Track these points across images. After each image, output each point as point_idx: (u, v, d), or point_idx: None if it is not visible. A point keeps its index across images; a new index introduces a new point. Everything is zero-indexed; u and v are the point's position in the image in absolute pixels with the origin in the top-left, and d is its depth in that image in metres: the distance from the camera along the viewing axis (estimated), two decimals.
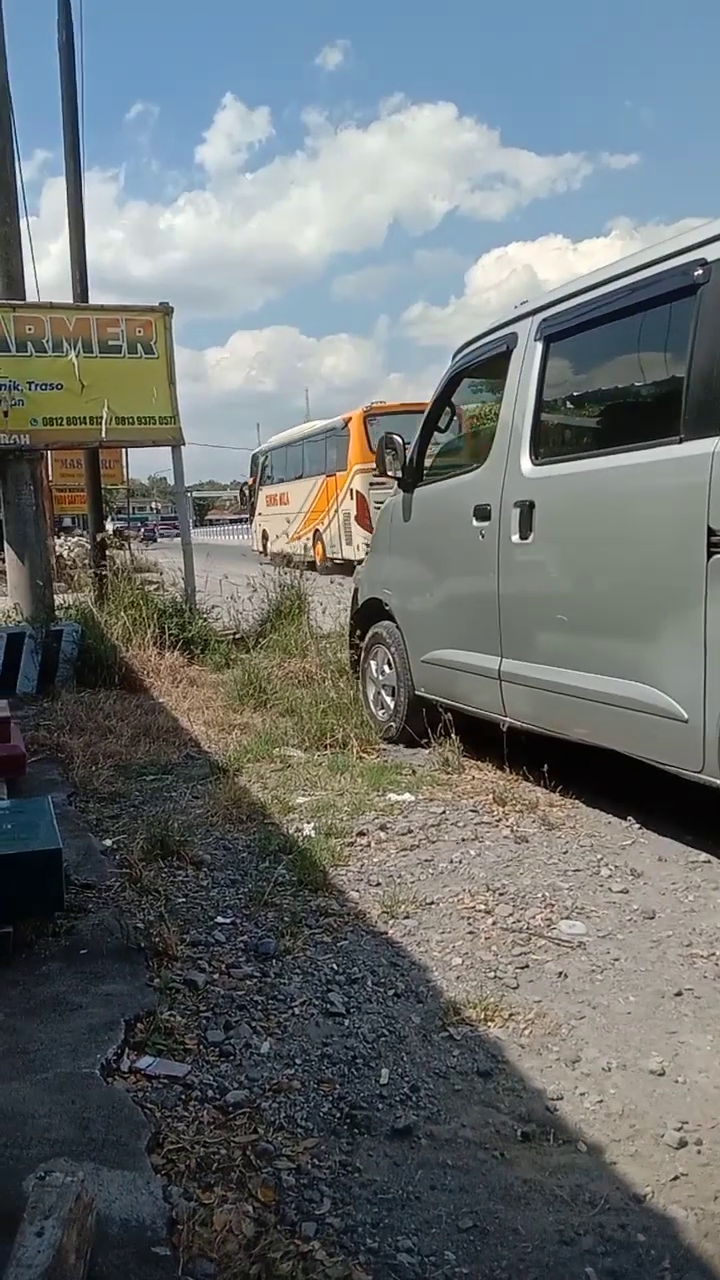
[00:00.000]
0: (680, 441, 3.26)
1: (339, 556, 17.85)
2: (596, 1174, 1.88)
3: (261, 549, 24.21)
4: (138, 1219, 1.73)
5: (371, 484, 16.24)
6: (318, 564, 17.73)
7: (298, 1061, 2.30)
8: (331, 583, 7.94)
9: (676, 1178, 1.86)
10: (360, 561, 14.48)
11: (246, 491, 28.40)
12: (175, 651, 7.78)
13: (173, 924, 3.00)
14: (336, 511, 18.66)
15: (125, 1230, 1.70)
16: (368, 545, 14.91)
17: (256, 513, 26.21)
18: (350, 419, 18.21)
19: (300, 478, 21.74)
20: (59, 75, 10.88)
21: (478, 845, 3.76)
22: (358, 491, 17.30)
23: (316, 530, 19.90)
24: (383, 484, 13.65)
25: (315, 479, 20.44)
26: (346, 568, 14.37)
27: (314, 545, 19.58)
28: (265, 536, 24.58)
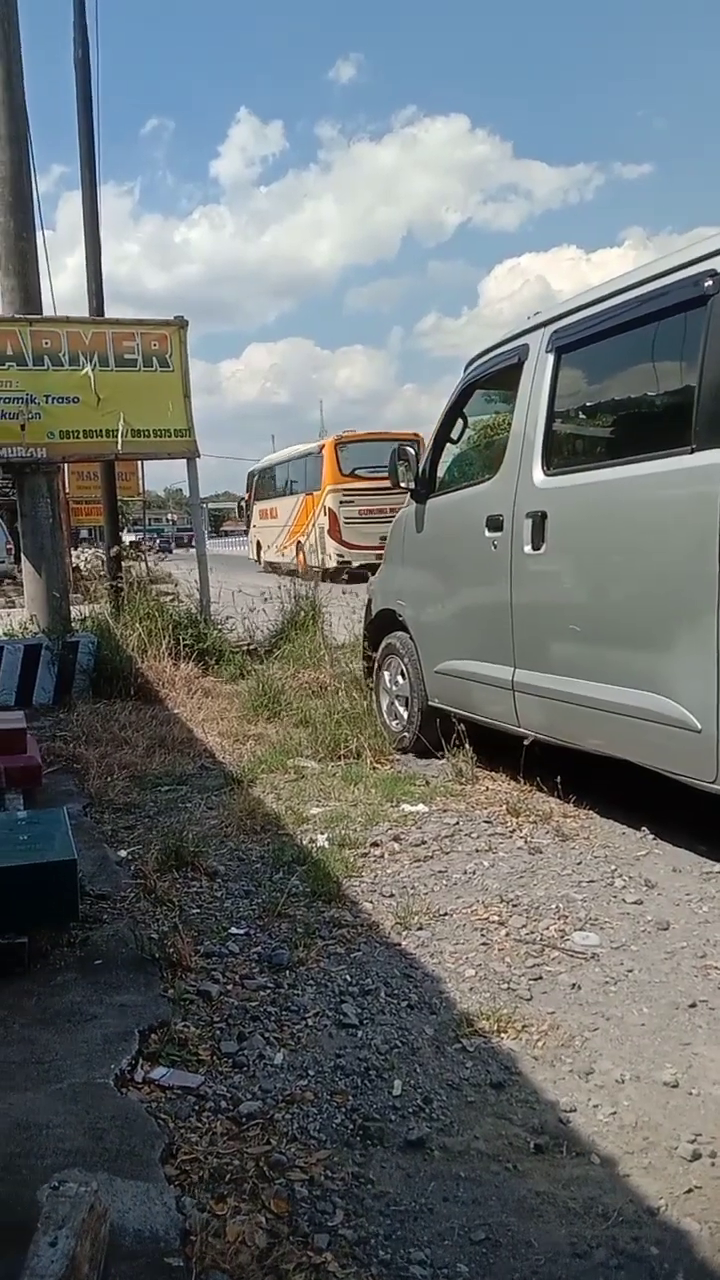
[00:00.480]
0: (692, 452, 3.27)
1: (317, 565, 19.56)
2: (610, 1186, 1.87)
3: (256, 558, 26.65)
4: (151, 1230, 1.74)
5: (341, 502, 19.22)
6: (299, 571, 19.53)
7: (311, 1073, 2.30)
8: (344, 593, 7.93)
9: (690, 1190, 1.85)
10: (330, 569, 17.99)
11: (243, 505, 30.75)
12: (190, 662, 7.81)
13: (187, 935, 3.00)
14: (314, 525, 20.77)
15: (138, 1241, 1.70)
16: (339, 555, 18.15)
17: (252, 525, 28.27)
18: (324, 445, 20.56)
19: (286, 495, 23.81)
20: (75, 90, 10.99)
21: (491, 856, 3.76)
22: (329, 508, 19.56)
23: (299, 541, 21.93)
24: (351, 502, 18.59)
25: (298, 496, 22.47)
26: (322, 575, 15.25)
27: (296, 555, 21.99)
28: (259, 546, 26.59)
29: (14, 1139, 2.00)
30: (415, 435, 18.67)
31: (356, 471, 19.39)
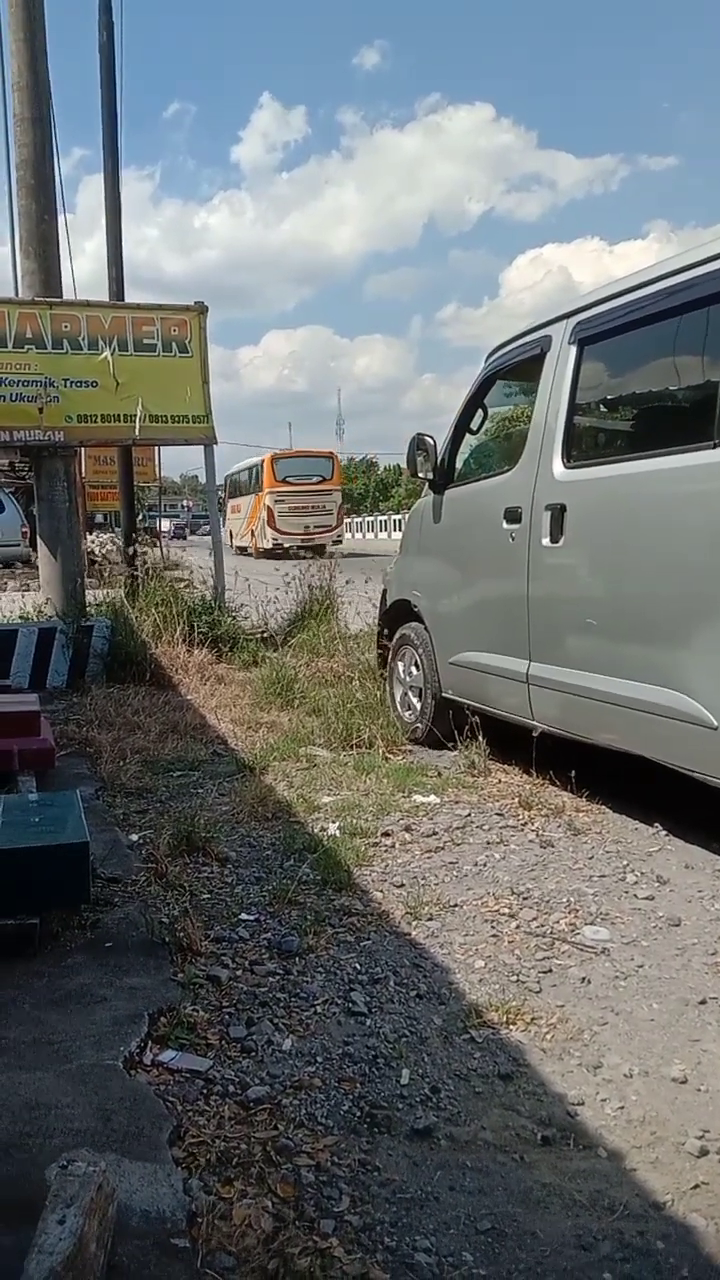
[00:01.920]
0: (714, 447, 3.24)
1: (264, 546, 28.30)
2: (616, 1180, 1.87)
3: (229, 542, 32.30)
4: (158, 1210, 1.74)
5: (276, 501, 28.46)
6: (252, 551, 29.53)
7: (319, 1059, 2.31)
8: (366, 582, 7.93)
9: (697, 1186, 1.85)
10: (268, 549, 27.48)
11: (220, 502, 42.02)
12: (204, 649, 7.83)
13: (197, 919, 3.01)
14: (260, 518, 29.40)
15: (145, 1221, 1.71)
16: (274, 539, 28.07)
17: (225, 517, 34.85)
18: (264, 459, 29.93)
19: (245, 495, 32.09)
20: (98, 75, 11.00)
21: (503, 848, 3.75)
22: (268, 505, 28.61)
23: (252, 530, 30.35)
24: (283, 500, 28.21)
25: (252, 496, 30.91)
26: (267, 554, 26.54)
27: (250, 540, 30.35)
28: (231, 534, 33.20)
29: (23, 1118, 2.01)
30: (330, 453, 32.63)
31: (287, 479, 29.04)
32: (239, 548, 31.60)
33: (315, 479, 29.87)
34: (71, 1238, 1.46)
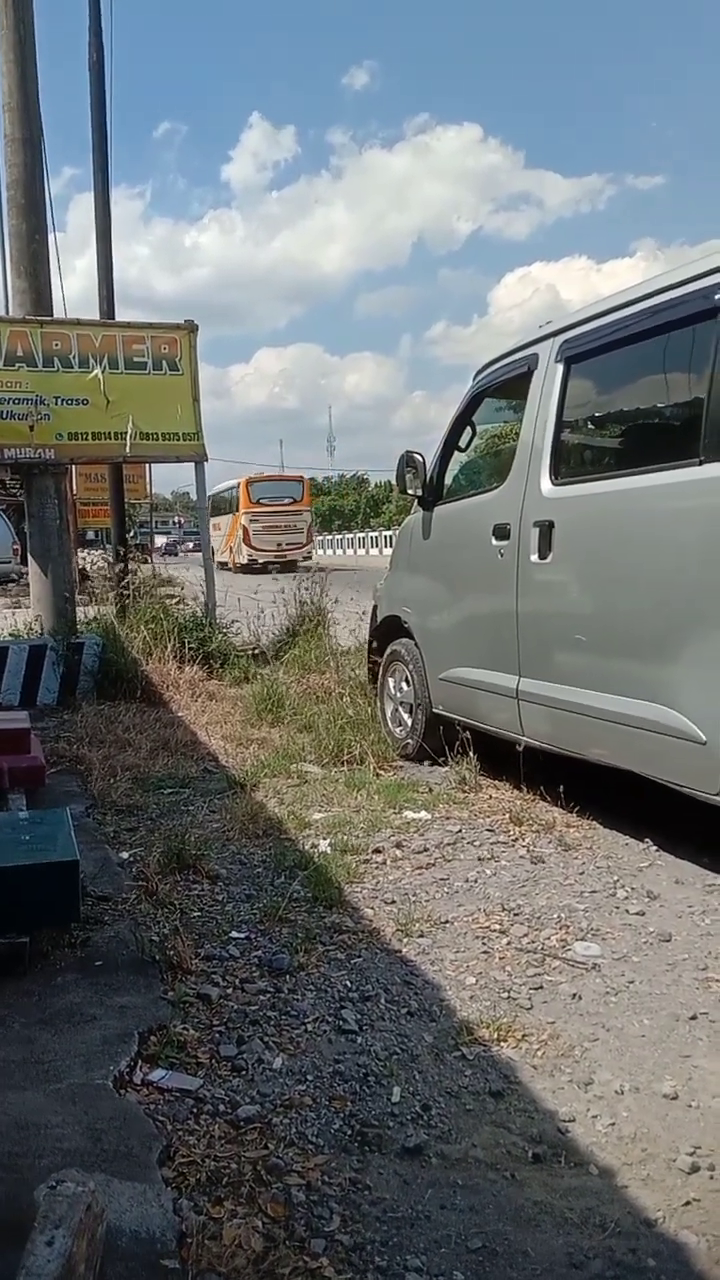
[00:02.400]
0: (701, 464, 3.27)
1: (241, 561, 30.87)
2: (607, 1197, 1.87)
3: (212, 558, 34.51)
4: (147, 1231, 1.74)
5: (251, 520, 31.34)
6: (231, 566, 31.00)
7: (309, 1078, 2.30)
8: (351, 599, 7.95)
9: (688, 1203, 1.84)
10: (244, 564, 30.77)
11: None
12: (195, 665, 7.83)
13: (187, 938, 3.01)
14: (237, 536, 31.88)
15: (135, 1242, 1.70)
16: (250, 555, 31.24)
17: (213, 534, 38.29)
18: (240, 482, 32.91)
19: (225, 514, 33.27)
20: (89, 94, 11.07)
21: (493, 865, 3.75)
22: (244, 525, 31.40)
23: (231, 547, 32.37)
24: (258, 519, 31.44)
25: (230, 515, 32.98)
26: (244, 568, 29.67)
27: (230, 555, 31.90)
28: (213, 551, 33.71)
29: (12, 1138, 2.00)
30: (299, 477, 36.96)
31: (260, 500, 31.94)
32: (219, 563, 34.49)
33: (287, 500, 32.99)
34: (60, 1259, 1.45)
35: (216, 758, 5.58)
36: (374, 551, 46.57)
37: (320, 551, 42.90)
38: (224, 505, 33.95)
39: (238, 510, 32.09)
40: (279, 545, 31.48)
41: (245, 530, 31.35)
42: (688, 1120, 2.11)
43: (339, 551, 43.49)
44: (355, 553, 49.77)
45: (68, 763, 5.44)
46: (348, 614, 8.34)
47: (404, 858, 3.85)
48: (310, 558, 32.23)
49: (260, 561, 29.63)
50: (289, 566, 27.22)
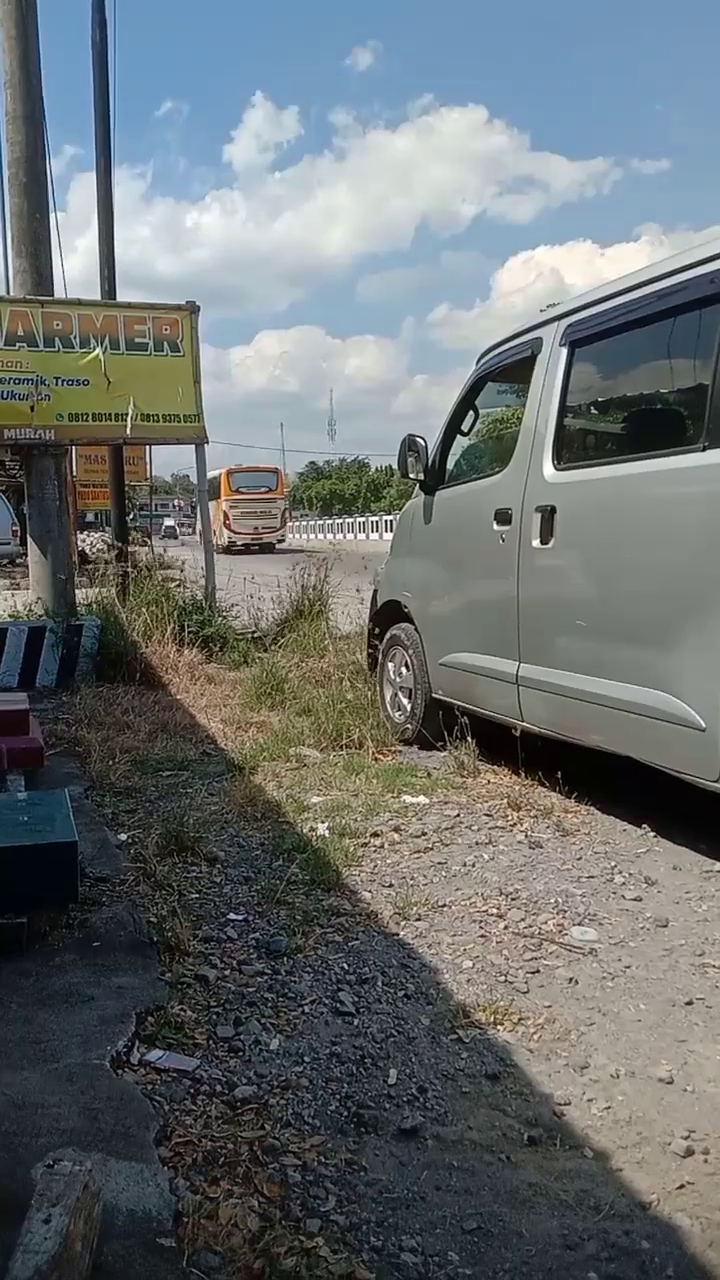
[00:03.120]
0: (704, 449, 3.26)
1: (221, 543, 31.58)
2: (602, 1180, 1.88)
3: (196, 540, 38.04)
4: (144, 1210, 1.74)
5: (231, 506, 35.19)
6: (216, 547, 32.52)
7: (306, 1059, 2.31)
8: (357, 591, 7.94)
9: (682, 1186, 1.85)
10: (225, 545, 33.37)
11: (194, 506, 51.15)
12: (194, 649, 7.82)
13: (185, 919, 3.01)
14: (219, 520, 33.66)
15: (131, 1220, 1.71)
16: (230, 538, 35.66)
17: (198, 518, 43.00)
18: (222, 472, 35.78)
19: (210, 500, 33.58)
20: (91, 73, 10.95)
21: (491, 849, 3.76)
22: (225, 510, 34.96)
23: (215, 529, 34.18)
24: (237, 506, 36.27)
25: (215, 501, 34.45)
26: (224, 550, 30.32)
27: (214, 538, 33.09)
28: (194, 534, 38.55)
29: (9, 1117, 2.01)
30: (275, 468, 41.86)
31: (239, 489, 36.14)
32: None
33: (263, 489, 37.44)
34: (57, 1237, 1.45)
35: (215, 741, 5.58)
36: (374, 536, 46.67)
37: (318, 537, 44.78)
38: (212, 492, 38.19)
39: (219, 497, 34.91)
40: (255, 529, 36.06)
41: (226, 515, 35.33)
42: (683, 1104, 2.12)
43: (341, 536, 44.12)
44: (356, 537, 49.82)
45: (66, 744, 5.44)
46: (346, 599, 8.33)
47: (402, 842, 3.86)
48: (284, 540, 37.64)
49: (240, 544, 34.19)
50: (266, 548, 33.98)
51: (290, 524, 44.20)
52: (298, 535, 49.42)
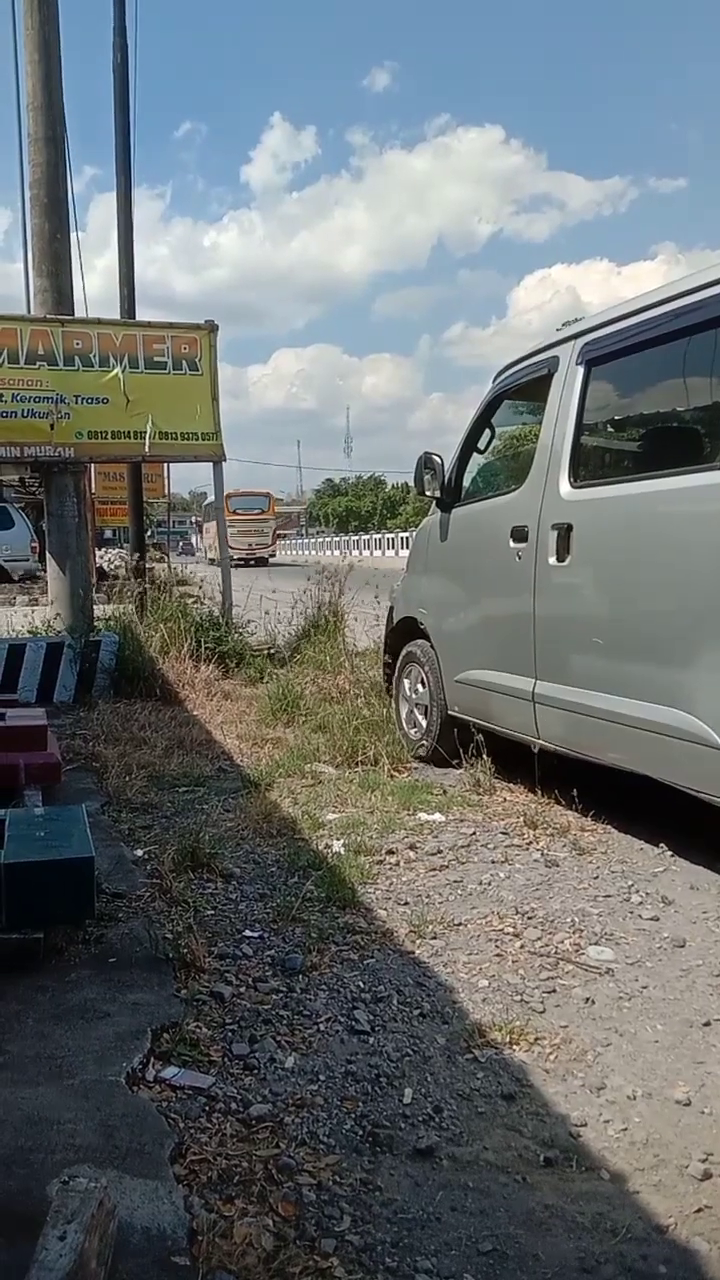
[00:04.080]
0: None
1: (218, 559, 33.30)
2: (619, 1202, 1.86)
3: (203, 555, 42.51)
4: (158, 1228, 1.74)
5: (229, 526, 39.47)
6: (215, 562, 34.00)
7: (321, 1078, 2.30)
8: (376, 599, 7.95)
9: (700, 1210, 1.84)
10: (213, 560, 26.53)
11: (198, 523, 53.56)
12: (211, 665, 7.84)
13: (201, 936, 3.01)
14: (218, 538, 35.75)
15: (146, 1238, 1.71)
16: (245, 555, 40.10)
17: (202, 535, 48.62)
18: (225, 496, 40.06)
19: (210, 521, 38.85)
20: (112, 95, 11.11)
21: (507, 868, 3.75)
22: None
23: (214, 546, 35.55)
24: (234, 526, 30.89)
25: (214, 521, 38.23)
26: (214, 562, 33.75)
27: (215, 554, 35.91)
28: (205, 550, 43.10)
29: (25, 1133, 2.01)
30: (266, 493, 49.13)
31: (236, 510, 38.57)
32: (210, 559, 43.78)
33: (256, 511, 43.37)
34: (72, 1254, 1.46)
35: (231, 757, 5.59)
36: (389, 553, 46.94)
37: (329, 554, 47.86)
38: (211, 513, 48.18)
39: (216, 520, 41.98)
40: (250, 545, 40.69)
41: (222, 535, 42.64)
42: (700, 1126, 2.10)
43: (354, 554, 45.33)
44: (372, 554, 50.09)
45: (84, 760, 5.46)
46: (362, 615, 8.34)
47: (418, 859, 3.85)
48: (274, 554, 44.57)
49: (237, 558, 42.37)
50: (260, 561, 39.27)
51: (285, 539, 51.09)
52: (305, 552, 55.20)
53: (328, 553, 49.80)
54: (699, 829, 3.84)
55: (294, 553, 57.70)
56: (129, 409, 8.66)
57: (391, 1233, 1.78)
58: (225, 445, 9.21)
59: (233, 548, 40.42)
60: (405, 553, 6.83)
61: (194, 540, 59.02)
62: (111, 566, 14.17)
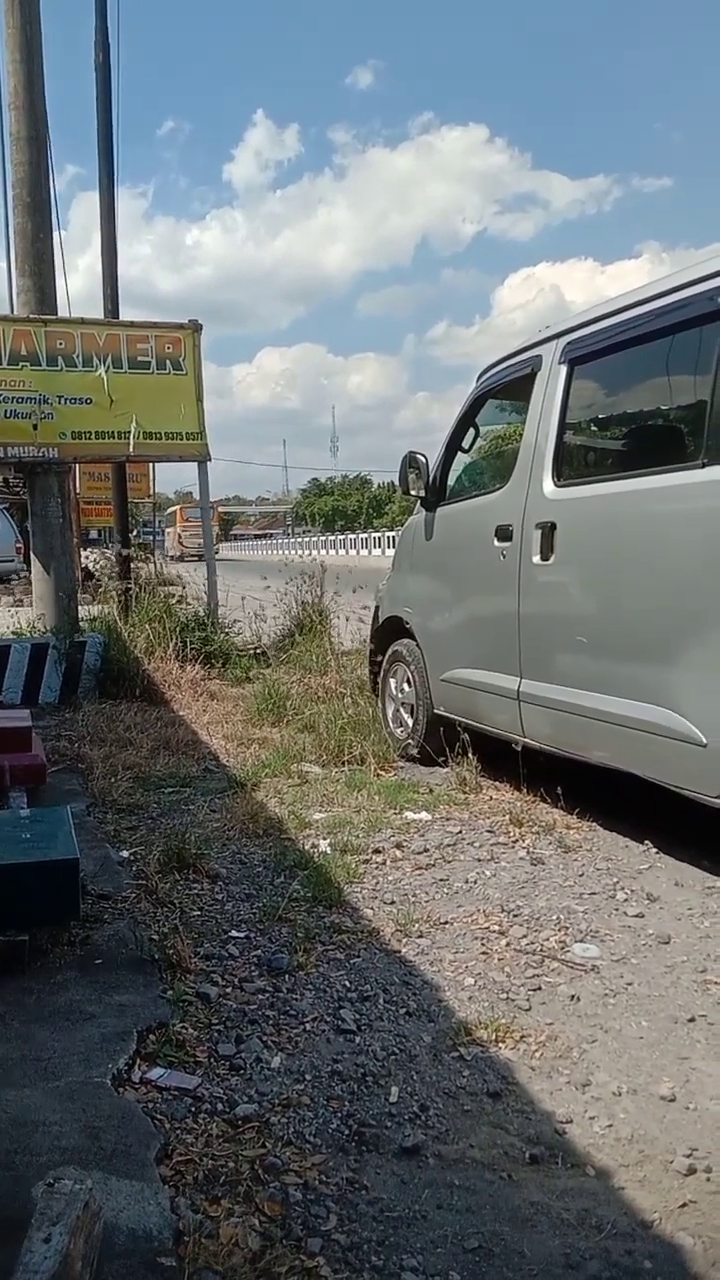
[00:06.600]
0: (703, 466, 3.27)
1: (175, 555, 38.94)
2: (604, 1198, 1.87)
3: (165, 554, 51.65)
4: (144, 1229, 1.74)
5: (182, 530, 49.02)
6: (171, 557, 37.30)
7: (308, 1077, 2.30)
8: (358, 603, 7.96)
9: (685, 1205, 1.84)
10: (177, 556, 40.23)
11: (163, 526, 61.12)
12: (196, 665, 7.83)
13: (187, 936, 3.01)
14: (177, 539, 46.74)
15: (132, 1240, 1.70)
16: (182, 552, 46.03)
17: (166, 535, 53.48)
18: (176, 508, 53.30)
19: (169, 527, 50.34)
20: (94, 94, 11.01)
21: (493, 866, 3.75)
22: (178, 532, 48.93)
23: (174, 545, 45.67)
24: (188, 529, 48.56)
25: (174, 527, 49.97)
26: (177, 559, 31.48)
27: (178, 550, 43.91)
28: (166, 550, 48.02)
29: (10, 1135, 2.00)
30: (215, 505, 42.07)
31: (189, 517, 46.29)
32: (171, 556, 47.41)
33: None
34: (57, 1256, 1.45)
35: (217, 757, 5.59)
36: (375, 552, 47.04)
37: (319, 553, 48.67)
38: (170, 520, 54.21)
39: (175, 525, 51.62)
40: (199, 545, 45.88)
41: (179, 537, 49.36)
42: (685, 1122, 2.11)
43: (340, 552, 46.09)
44: (356, 553, 50.34)
45: (69, 761, 5.44)
46: (347, 614, 8.34)
47: (404, 858, 3.85)
48: (219, 553, 47.45)
49: (189, 555, 42.58)
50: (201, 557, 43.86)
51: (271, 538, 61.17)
52: (294, 551, 56.69)
53: (305, 552, 50.58)
54: (683, 826, 3.86)
55: (264, 553, 62.89)
56: (113, 409, 8.64)
57: (378, 1231, 1.78)
58: (210, 444, 9.19)
59: (185, 547, 45.51)
60: (391, 552, 6.83)
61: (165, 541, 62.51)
62: (97, 567, 14.10)
